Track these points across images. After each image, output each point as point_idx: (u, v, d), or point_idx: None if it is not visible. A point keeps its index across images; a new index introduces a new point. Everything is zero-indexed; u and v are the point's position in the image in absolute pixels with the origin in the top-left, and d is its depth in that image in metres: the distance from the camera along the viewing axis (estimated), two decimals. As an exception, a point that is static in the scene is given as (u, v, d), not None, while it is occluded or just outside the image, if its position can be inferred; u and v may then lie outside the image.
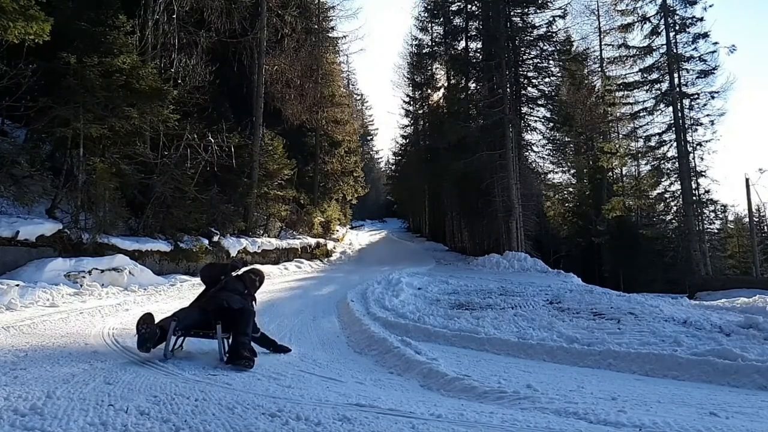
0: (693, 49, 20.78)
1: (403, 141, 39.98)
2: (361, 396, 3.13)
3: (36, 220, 8.86)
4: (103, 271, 8.91)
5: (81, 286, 8.13)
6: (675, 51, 20.76)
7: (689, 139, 21.04)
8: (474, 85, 23.96)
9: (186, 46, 14.32)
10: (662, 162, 21.63)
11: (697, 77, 20.76)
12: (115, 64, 9.83)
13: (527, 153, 23.67)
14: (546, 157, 25.89)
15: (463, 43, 25.74)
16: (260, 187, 16.50)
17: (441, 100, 29.79)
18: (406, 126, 38.44)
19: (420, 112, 35.54)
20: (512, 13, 21.70)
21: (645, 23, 21.67)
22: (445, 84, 28.74)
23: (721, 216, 27.95)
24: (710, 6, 20.55)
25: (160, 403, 2.68)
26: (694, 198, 20.80)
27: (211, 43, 15.01)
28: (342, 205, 28.62)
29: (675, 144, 20.90)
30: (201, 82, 13.94)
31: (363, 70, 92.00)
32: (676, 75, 20.72)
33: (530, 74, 22.34)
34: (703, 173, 21.23)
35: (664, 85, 21.19)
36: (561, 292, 10.03)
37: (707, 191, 21.34)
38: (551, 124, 22.97)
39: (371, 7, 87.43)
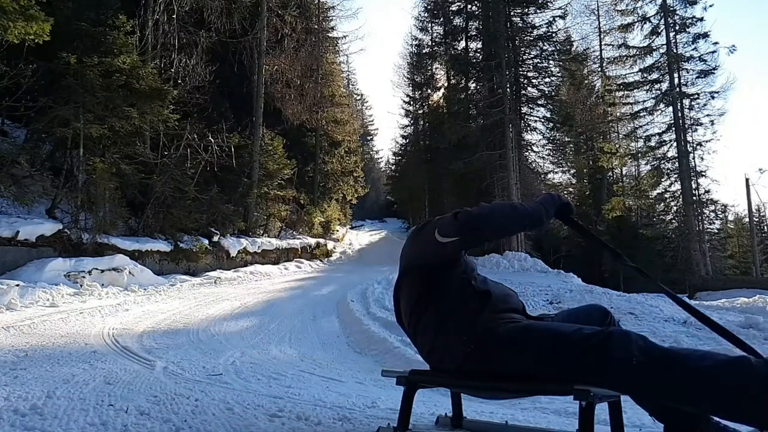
0: (693, 49, 20.77)
1: (403, 141, 39.97)
2: (362, 396, 3.13)
3: (36, 220, 8.87)
4: (103, 271, 8.91)
5: (81, 286, 8.13)
6: (675, 51, 20.75)
7: (689, 139, 21.02)
8: (474, 85, 23.95)
9: (186, 46, 14.33)
10: (662, 162, 21.62)
11: (697, 77, 20.74)
12: (115, 64, 9.85)
13: (527, 153, 23.64)
14: (546, 157, 25.85)
15: (463, 43, 25.73)
16: (260, 187, 16.50)
17: (441, 100, 29.77)
18: (406, 126, 38.44)
19: (420, 112, 35.52)
20: (512, 13, 21.68)
21: (645, 23, 21.66)
22: (445, 84, 28.72)
23: (721, 216, 27.94)
24: (710, 6, 20.51)
25: (160, 403, 2.68)
26: (694, 198, 20.79)
27: (211, 43, 15.01)
28: (342, 205, 28.60)
29: (675, 144, 20.88)
30: (201, 82, 13.96)
31: (363, 70, 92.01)
32: (676, 75, 20.70)
33: (530, 74, 22.31)
34: (703, 173, 21.22)
35: (664, 85, 21.18)
36: (561, 292, 10.01)
37: (707, 191, 21.34)
38: (551, 124, 22.94)
39: (371, 7, 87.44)
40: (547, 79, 22.21)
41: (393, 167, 46.16)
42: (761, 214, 34.59)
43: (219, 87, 15.33)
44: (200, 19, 15.02)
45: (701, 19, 20.56)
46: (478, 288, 1.76)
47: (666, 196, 22.52)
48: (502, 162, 19.63)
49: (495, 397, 2.16)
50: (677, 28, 20.96)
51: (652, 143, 21.59)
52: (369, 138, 50.71)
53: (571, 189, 29.01)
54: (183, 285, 10.00)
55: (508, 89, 20.43)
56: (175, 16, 14.10)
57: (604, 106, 24.20)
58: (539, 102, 22.52)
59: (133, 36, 11.42)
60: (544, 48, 21.73)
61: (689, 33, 20.85)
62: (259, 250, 15.31)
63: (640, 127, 22.21)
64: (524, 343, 1.58)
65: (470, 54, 24.36)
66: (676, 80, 20.69)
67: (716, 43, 20.39)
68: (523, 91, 22.49)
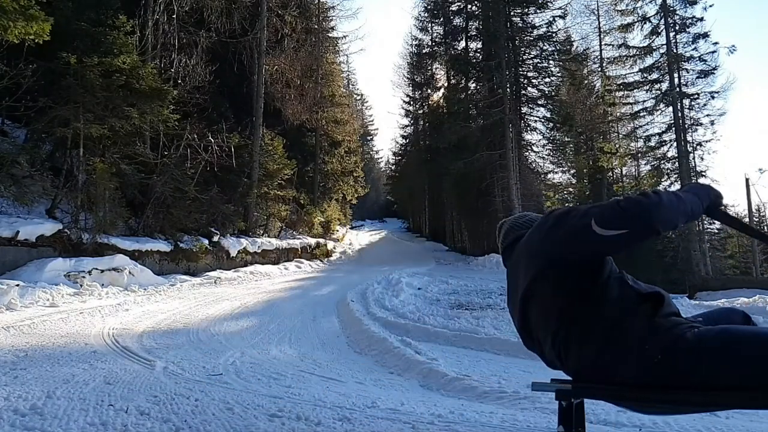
0: (693, 49, 20.76)
1: (403, 141, 40.05)
2: (361, 396, 3.13)
3: (36, 220, 8.87)
4: (103, 271, 8.91)
5: (81, 286, 8.14)
6: (675, 51, 20.74)
7: (689, 139, 21.01)
8: (474, 85, 23.98)
9: (186, 46, 14.35)
10: (662, 162, 21.62)
11: (697, 77, 20.73)
12: (115, 64, 9.85)
13: (527, 153, 23.67)
14: (546, 157, 25.85)
15: (463, 43, 25.78)
16: (260, 187, 16.50)
17: (441, 100, 29.81)
18: (406, 126, 38.51)
19: (420, 112, 35.56)
20: (512, 13, 21.71)
21: (645, 23, 21.65)
22: (445, 84, 28.74)
23: (721, 216, 27.85)
24: (710, 6, 20.51)
25: (160, 403, 2.68)
26: (694, 198, 20.74)
27: (211, 43, 15.03)
28: (342, 205, 28.61)
29: (675, 144, 20.89)
30: (201, 82, 13.97)
31: (363, 70, 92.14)
32: (676, 75, 20.70)
33: (530, 74, 22.34)
34: (703, 173, 21.20)
35: (664, 85, 21.17)
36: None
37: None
38: (551, 124, 22.96)
39: (371, 7, 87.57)
40: (547, 79, 22.24)
41: (393, 167, 46.25)
42: (761, 214, 34.58)
43: (219, 87, 15.34)
44: (200, 19, 15.03)
45: (701, 19, 20.56)
46: (641, 289, 1.53)
47: (666, 196, 22.48)
48: (502, 162, 19.64)
49: (681, 411, 1.86)
50: (677, 28, 20.95)
51: (652, 143, 21.59)
52: (369, 138, 50.75)
53: (571, 189, 29.04)
54: (183, 285, 10.01)
55: (508, 89, 20.44)
56: (175, 16, 14.10)
57: (604, 106, 24.17)
58: (539, 102, 22.54)
59: (133, 36, 11.42)
60: (544, 48, 21.75)
61: (689, 33, 20.85)
62: (259, 250, 15.31)
63: (640, 127, 22.21)
64: (729, 350, 1.37)
65: (470, 54, 24.39)
66: (676, 80, 20.68)
67: (716, 43, 20.39)
68: (523, 91, 22.50)
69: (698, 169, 21.25)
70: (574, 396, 1.56)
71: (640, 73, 21.92)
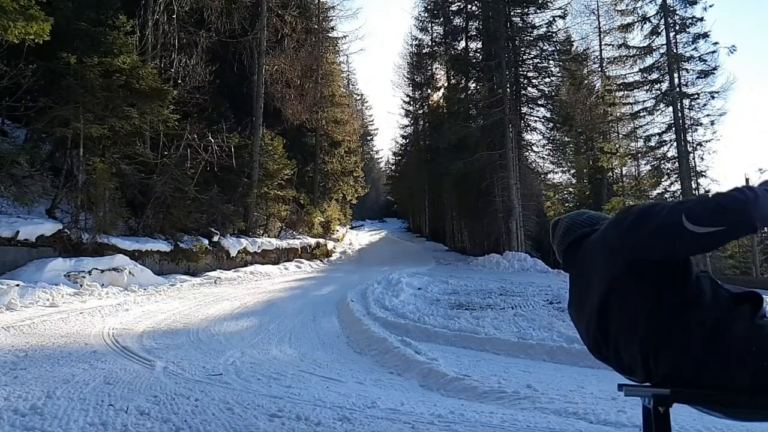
0: (693, 49, 20.76)
1: (403, 141, 40.08)
2: (361, 396, 3.13)
3: (36, 220, 8.87)
4: (103, 271, 8.91)
5: (81, 286, 8.14)
6: (675, 51, 20.75)
7: (689, 139, 21.02)
8: (474, 85, 23.97)
9: (186, 46, 14.35)
10: (662, 162, 21.61)
11: (697, 77, 20.73)
12: (115, 64, 9.85)
13: (527, 153, 23.66)
14: (546, 157, 25.85)
15: (463, 43, 25.78)
16: (260, 187, 16.50)
17: (441, 100, 29.82)
18: (406, 126, 38.53)
19: (420, 112, 35.58)
20: (512, 13, 21.71)
21: (645, 23, 21.65)
22: (445, 84, 28.75)
23: (721, 216, 27.81)
24: (710, 6, 20.53)
25: (160, 403, 2.68)
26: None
27: (211, 43, 15.03)
28: (342, 205, 28.61)
29: (675, 144, 20.89)
30: (201, 82, 13.97)
31: (363, 70, 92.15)
32: (676, 75, 20.70)
33: (530, 74, 22.34)
34: (703, 173, 21.21)
35: (664, 85, 21.17)
36: (561, 292, 10.00)
37: (707, 191, 21.31)
38: (551, 124, 22.97)
39: (371, 7, 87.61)
40: (547, 79, 22.24)
41: (393, 167, 46.27)
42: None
43: (219, 87, 15.34)
44: (200, 19, 15.03)
45: (701, 19, 20.56)
46: (731, 289, 1.45)
47: (666, 196, 22.49)
48: (502, 162, 19.63)
49: None
50: (677, 28, 20.95)
51: (652, 143, 21.58)
52: (369, 138, 50.76)
53: (571, 189, 29.05)
54: (183, 285, 10.00)
55: (508, 89, 20.44)
56: (175, 16, 14.10)
57: (604, 106, 24.18)
58: (539, 102, 22.53)
59: (133, 36, 11.42)
60: (544, 48, 21.75)
61: (689, 33, 20.85)
62: (259, 250, 15.31)
63: (640, 127, 22.20)
64: None
65: (470, 54, 24.38)
66: (676, 80, 20.68)
67: (716, 43, 20.39)
68: (523, 91, 22.50)
69: (698, 169, 21.25)
70: (671, 401, 1.47)
71: (640, 73, 21.91)
